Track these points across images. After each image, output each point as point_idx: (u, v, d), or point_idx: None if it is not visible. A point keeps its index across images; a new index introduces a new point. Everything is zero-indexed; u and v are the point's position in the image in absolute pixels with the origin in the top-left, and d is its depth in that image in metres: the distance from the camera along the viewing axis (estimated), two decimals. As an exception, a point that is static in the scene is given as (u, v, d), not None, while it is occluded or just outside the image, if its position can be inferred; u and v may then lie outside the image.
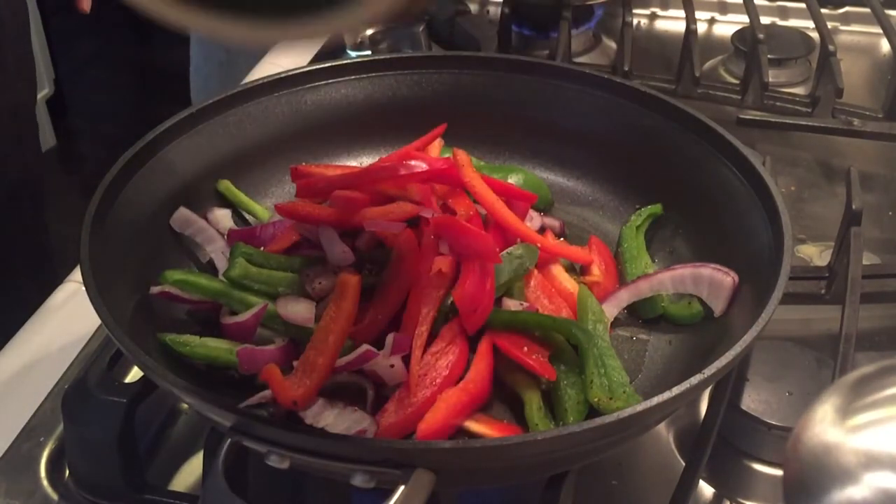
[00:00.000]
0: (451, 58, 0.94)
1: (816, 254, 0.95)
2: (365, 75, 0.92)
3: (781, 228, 0.69)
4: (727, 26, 1.38)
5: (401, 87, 0.92)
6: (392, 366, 0.68)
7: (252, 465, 0.63)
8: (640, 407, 0.57)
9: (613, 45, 1.33)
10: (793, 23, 1.36)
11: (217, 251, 0.81)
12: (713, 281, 0.73)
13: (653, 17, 1.43)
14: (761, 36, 1.17)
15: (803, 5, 1.28)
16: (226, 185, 0.85)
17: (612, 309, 0.77)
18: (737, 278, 0.73)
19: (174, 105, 0.91)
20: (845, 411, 0.52)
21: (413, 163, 0.78)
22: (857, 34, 1.37)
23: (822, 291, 0.86)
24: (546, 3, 1.28)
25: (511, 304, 0.74)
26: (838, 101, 1.12)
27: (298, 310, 0.72)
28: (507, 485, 0.72)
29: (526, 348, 0.71)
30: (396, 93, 0.92)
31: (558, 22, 1.22)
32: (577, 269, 0.82)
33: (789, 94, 1.19)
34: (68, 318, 0.89)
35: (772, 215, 0.72)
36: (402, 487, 0.54)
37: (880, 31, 1.21)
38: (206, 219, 0.82)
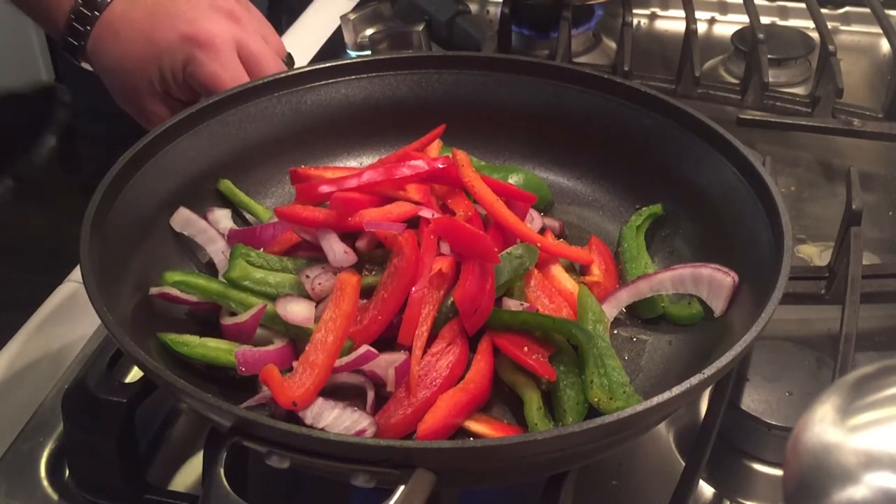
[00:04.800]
0: (451, 58, 0.94)
1: (816, 254, 0.95)
2: (365, 75, 0.92)
3: (781, 228, 0.69)
4: (727, 26, 1.38)
5: (401, 87, 0.92)
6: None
7: (252, 465, 0.63)
8: (640, 407, 0.57)
9: (613, 45, 1.33)
10: (793, 23, 1.36)
11: (217, 251, 0.81)
12: (713, 281, 0.73)
13: (653, 17, 1.43)
14: (761, 36, 1.17)
15: (803, 5, 1.28)
16: (226, 185, 0.85)
17: (612, 309, 0.77)
18: (737, 278, 0.73)
19: (174, 105, 0.91)
20: (845, 411, 0.52)
21: (412, 163, 0.78)
22: (857, 34, 1.37)
23: (822, 291, 0.86)
24: (546, 3, 1.28)
25: (511, 304, 0.74)
26: (838, 101, 1.12)
27: (298, 310, 0.72)
28: (507, 485, 0.72)
29: (526, 348, 0.71)
30: (396, 93, 0.92)
31: (558, 22, 1.22)
32: (577, 269, 0.82)
33: (789, 94, 1.19)
34: (68, 318, 0.89)
35: (772, 215, 0.72)
36: (402, 487, 0.54)
37: (880, 31, 1.21)
38: (206, 219, 0.82)
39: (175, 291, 0.74)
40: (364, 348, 0.68)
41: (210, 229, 0.81)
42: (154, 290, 0.74)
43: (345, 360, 0.67)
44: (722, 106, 1.18)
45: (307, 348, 0.67)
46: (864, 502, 0.48)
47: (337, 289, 0.70)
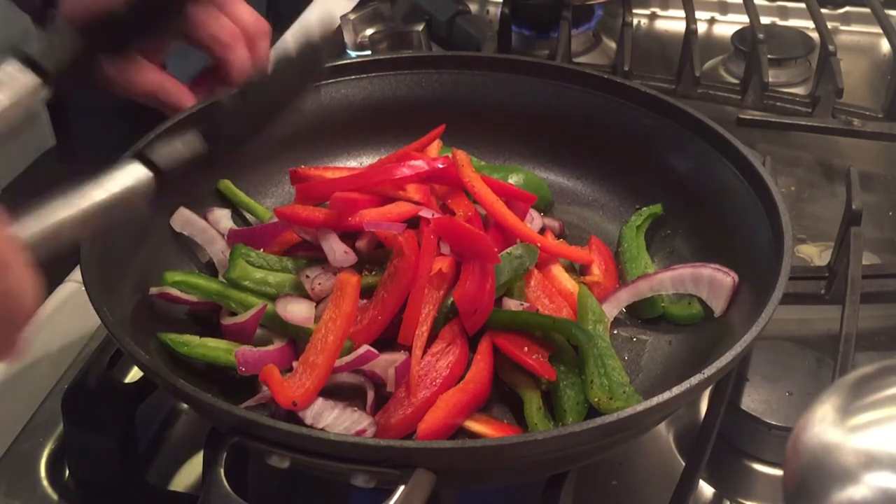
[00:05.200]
0: (451, 58, 0.94)
1: (816, 254, 0.95)
2: (365, 75, 0.92)
3: (781, 228, 0.69)
4: (727, 26, 1.38)
5: (401, 87, 0.92)
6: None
7: (252, 465, 0.63)
8: (640, 407, 0.57)
9: (613, 45, 1.33)
10: (793, 23, 1.36)
11: (217, 252, 0.81)
12: (713, 281, 0.73)
13: (653, 17, 1.43)
14: (761, 36, 1.17)
15: (803, 5, 1.28)
16: (226, 185, 0.85)
17: (612, 309, 0.77)
18: (737, 278, 0.73)
19: (174, 105, 0.90)
20: (845, 411, 0.52)
21: (412, 163, 0.78)
22: (857, 34, 1.37)
23: (822, 291, 0.86)
24: (546, 3, 1.28)
25: (511, 304, 0.74)
26: (838, 101, 1.12)
27: (298, 310, 0.72)
28: (507, 485, 0.72)
29: (526, 348, 0.71)
30: (396, 93, 0.92)
31: (558, 22, 1.22)
32: (577, 269, 0.82)
33: (789, 94, 1.19)
34: (68, 318, 0.89)
35: (772, 215, 0.72)
36: (402, 487, 0.54)
37: (880, 31, 1.21)
38: (206, 219, 0.82)
39: (175, 291, 0.74)
40: (364, 348, 0.68)
41: (210, 229, 0.81)
42: (154, 290, 0.74)
43: (345, 360, 0.67)
44: (722, 106, 1.18)
45: (307, 348, 0.67)
46: (864, 502, 0.48)
47: (337, 289, 0.70)
